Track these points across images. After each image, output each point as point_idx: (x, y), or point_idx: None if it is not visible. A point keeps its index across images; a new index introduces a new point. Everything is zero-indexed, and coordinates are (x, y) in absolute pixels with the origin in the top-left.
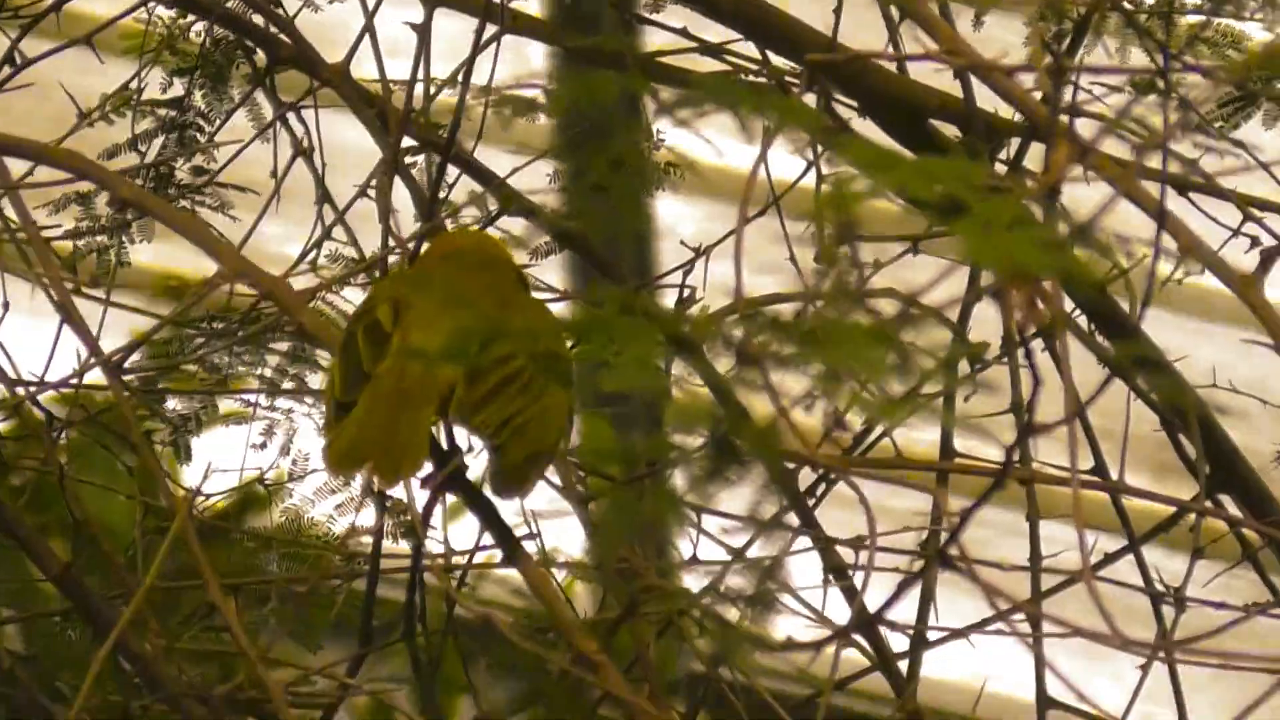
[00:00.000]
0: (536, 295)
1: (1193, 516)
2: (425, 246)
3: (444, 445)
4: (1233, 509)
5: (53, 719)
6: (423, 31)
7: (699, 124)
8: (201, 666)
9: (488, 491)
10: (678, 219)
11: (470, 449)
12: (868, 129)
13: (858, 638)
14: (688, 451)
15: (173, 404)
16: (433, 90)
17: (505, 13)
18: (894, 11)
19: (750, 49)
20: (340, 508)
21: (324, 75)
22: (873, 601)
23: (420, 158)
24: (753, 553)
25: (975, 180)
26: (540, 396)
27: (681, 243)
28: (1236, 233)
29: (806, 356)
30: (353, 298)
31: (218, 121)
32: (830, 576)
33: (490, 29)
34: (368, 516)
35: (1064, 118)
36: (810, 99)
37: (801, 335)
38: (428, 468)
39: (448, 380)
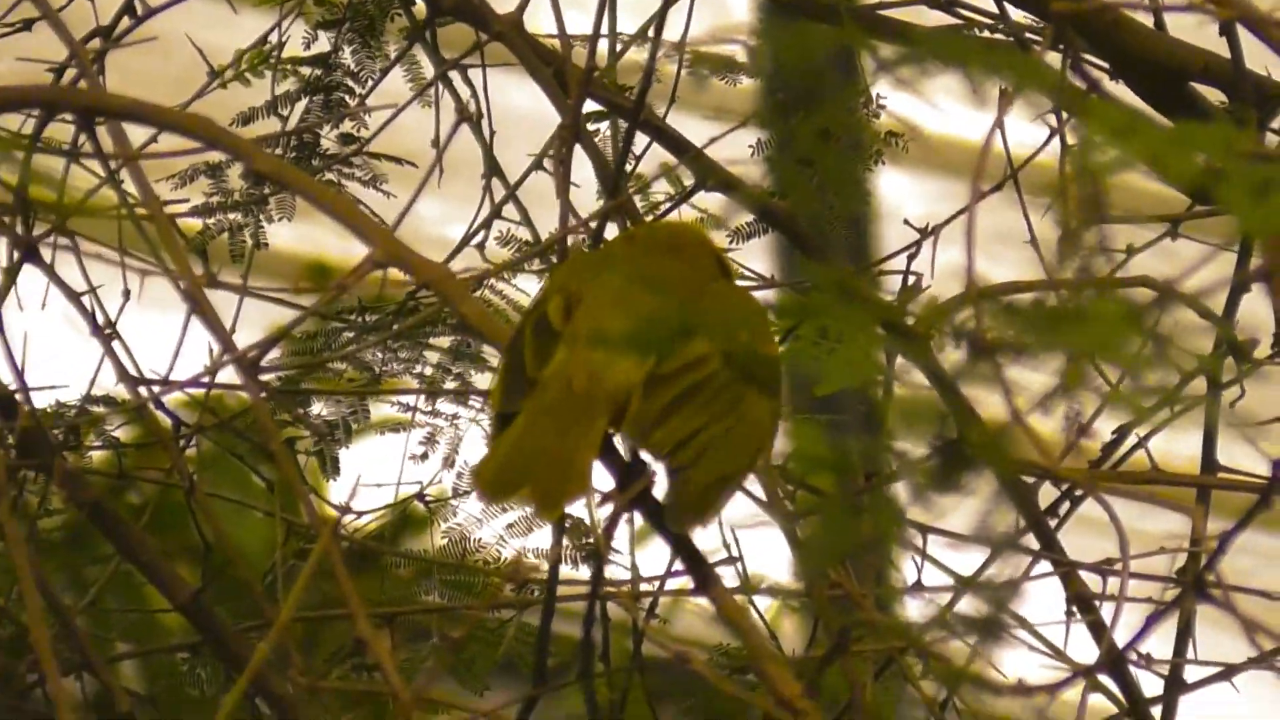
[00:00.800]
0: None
1: None
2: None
3: (626, 456)
4: None
5: None
6: None
7: (924, 87)
8: (350, 710)
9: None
10: (901, 196)
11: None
12: (1120, 93)
13: (1104, 678)
14: (911, 459)
15: (318, 408)
16: (619, 47)
17: None
18: None
19: (985, 1)
20: (512, 528)
21: (493, 29)
22: (1120, 636)
23: (604, 124)
24: (985, 578)
25: (1241, 147)
26: (734, 407)
27: (905, 222)
28: None
29: (1047, 343)
30: (526, 287)
31: (369, 82)
32: (1074, 607)
33: None
34: (543, 538)
35: None
36: (1054, 58)
37: (1042, 321)
38: (608, 483)
39: (624, 388)
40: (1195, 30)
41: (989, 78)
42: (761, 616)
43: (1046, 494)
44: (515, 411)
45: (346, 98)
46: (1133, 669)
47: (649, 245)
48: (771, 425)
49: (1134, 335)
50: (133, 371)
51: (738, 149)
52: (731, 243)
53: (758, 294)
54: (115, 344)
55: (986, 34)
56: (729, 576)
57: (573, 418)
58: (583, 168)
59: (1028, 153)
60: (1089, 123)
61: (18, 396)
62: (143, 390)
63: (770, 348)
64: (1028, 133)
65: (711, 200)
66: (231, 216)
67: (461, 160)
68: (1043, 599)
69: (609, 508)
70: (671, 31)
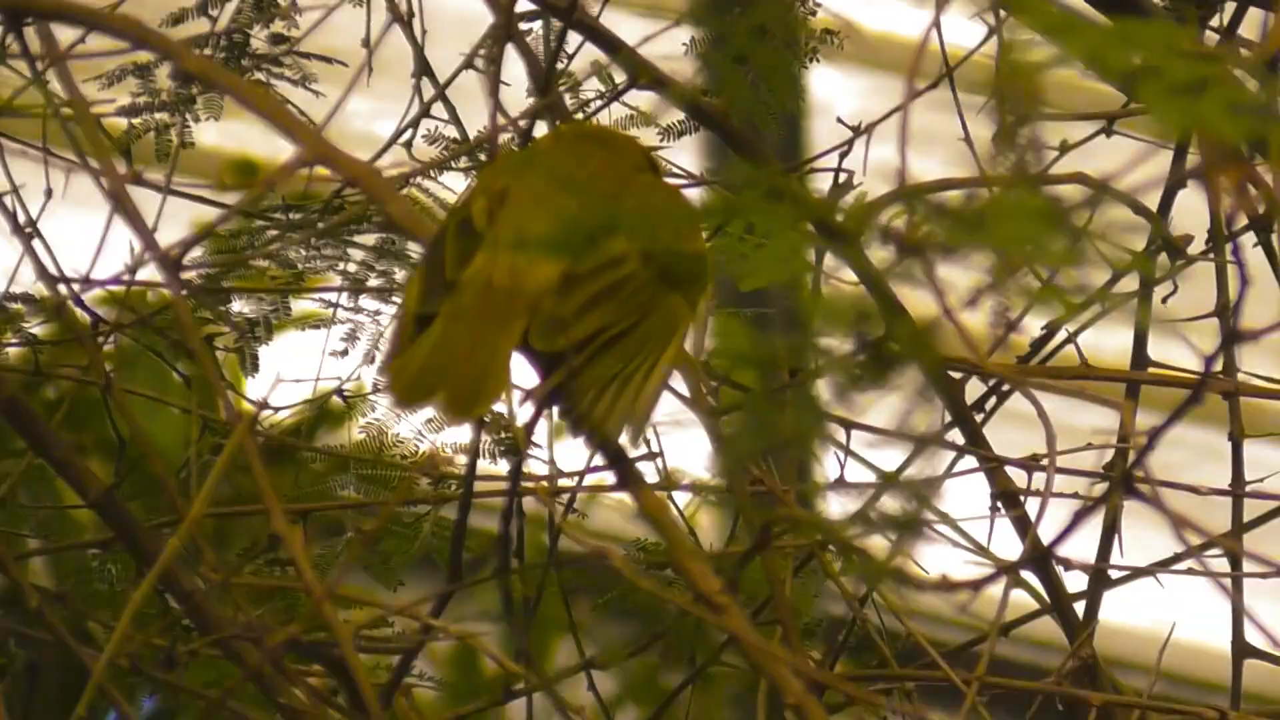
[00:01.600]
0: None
1: None
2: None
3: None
4: None
5: (84, 665)
6: None
7: None
8: (262, 606)
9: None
10: (835, 94)
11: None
12: None
13: (1027, 574)
14: (836, 356)
15: (238, 305)
16: None
17: None
18: None
19: None
20: (430, 423)
21: None
22: (1046, 534)
23: (536, 23)
24: (908, 474)
25: (1180, 46)
26: (649, 307)
27: (838, 120)
28: None
29: (972, 240)
30: (454, 185)
31: None
32: (998, 503)
33: None
34: (461, 433)
35: None
36: None
37: (968, 218)
38: (530, 379)
39: (543, 289)
40: None
41: None
42: (680, 512)
43: (974, 389)
44: (432, 313)
45: None
46: (1056, 566)
47: (575, 142)
48: (682, 323)
49: (1057, 231)
50: (53, 270)
51: (672, 47)
52: (662, 140)
53: (688, 192)
54: (36, 242)
55: None
56: (649, 472)
57: (490, 321)
58: (514, 66)
59: (964, 51)
60: (1027, 20)
61: None
62: (62, 288)
63: (696, 244)
64: (964, 30)
65: (643, 99)
66: (158, 116)
67: (392, 59)
68: (968, 495)
69: (530, 403)
70: None
